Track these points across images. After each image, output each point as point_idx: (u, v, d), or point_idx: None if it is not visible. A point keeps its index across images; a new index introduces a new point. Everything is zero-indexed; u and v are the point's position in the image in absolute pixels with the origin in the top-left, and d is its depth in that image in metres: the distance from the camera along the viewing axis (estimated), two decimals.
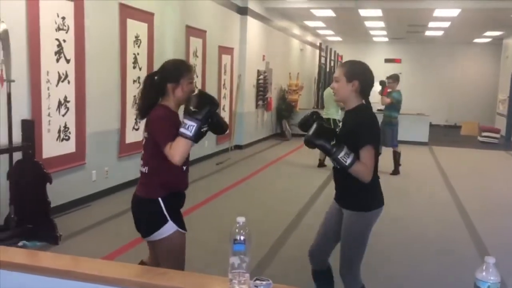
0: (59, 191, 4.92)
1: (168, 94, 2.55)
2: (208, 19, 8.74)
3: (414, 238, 4.97)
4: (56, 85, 4.99)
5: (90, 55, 5.47)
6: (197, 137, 2.46)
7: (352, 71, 2.62)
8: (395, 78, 8.25)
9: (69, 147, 5.27)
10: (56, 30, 4.93)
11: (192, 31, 8.01)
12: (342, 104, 2.75)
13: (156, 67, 7.96)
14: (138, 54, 6.46)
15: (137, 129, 6.57)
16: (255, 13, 10.95)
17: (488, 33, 15.59)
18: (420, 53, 18.67)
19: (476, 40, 17.50)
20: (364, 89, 2.63)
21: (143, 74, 6.62)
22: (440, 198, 6.76)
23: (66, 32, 5.07)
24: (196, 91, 2.55)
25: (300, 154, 10.37)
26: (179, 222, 2.58)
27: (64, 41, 5.04)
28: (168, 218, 2.50)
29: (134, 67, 6.42)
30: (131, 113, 6.42)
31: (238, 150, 10.29)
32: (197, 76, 8.36)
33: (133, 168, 6.61)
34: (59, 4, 4.95)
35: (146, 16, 6.62)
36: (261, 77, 11.61)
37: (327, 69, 16.50)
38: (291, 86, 13.86)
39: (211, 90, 9.06)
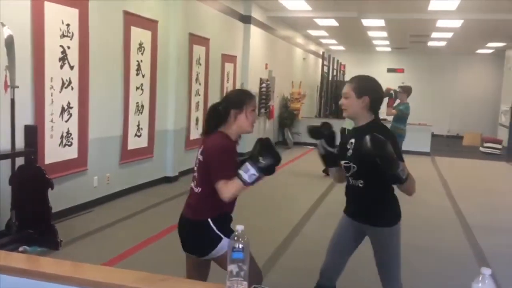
0: (60, 196, 4.94)
1: (231, 121, 2.55)
2: (211, 27, 8.79)
3: (413, 248, 4.95)
4: (60, 91, 5.03)
5: (94, 61, 5.51)
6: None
7: (362, 87, 2.58)
8: (405, 90, 8.04)
9: (71, 153, 5.29)
10: (60, 36, 4.97)
11: (195, 39, 8.06)
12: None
13: (159, 74, 8.03)
14: (141, 61, 6.50)
15: (139, 136, 6.61)
16: (258, 22, 11.01)
17: (490, 44, 15.63)
18: (423, 63, 18.70)
19: (479, 51, 17.53)
20: (375, 104, 2.59)
21: (146, 81, 6.67)
22: (441, 208, 6.75)
23: (71, 39, 5.11)
24: (263, 140, 2.47)
25: (301, 162, 10.37)
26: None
27: (69, 47, 5.09)
28: (222, 235, 2.49)
29: (137, 74, 6.45)
30: (134, 119, 6.46)
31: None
32: (200, 84, 8.41)
33: (135, 175, 6.65)
34: (64, 11, 5.00)
35: (150, 24, 6.67)
36: (264, 85, 11.65)
37: (330, 78, 16.54)
38: (294, 95, 13.90)
39: (214, 98, 9.10)
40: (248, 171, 2.36)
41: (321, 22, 12.56)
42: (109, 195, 6.05)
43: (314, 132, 2.81)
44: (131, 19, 6.19)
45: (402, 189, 2.46)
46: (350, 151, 2.63)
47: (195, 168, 2.60)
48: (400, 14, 10.94)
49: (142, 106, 6.63)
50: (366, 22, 12.07)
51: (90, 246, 4.54)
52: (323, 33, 14.95)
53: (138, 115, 6.56)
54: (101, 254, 4.23)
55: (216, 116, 2.58)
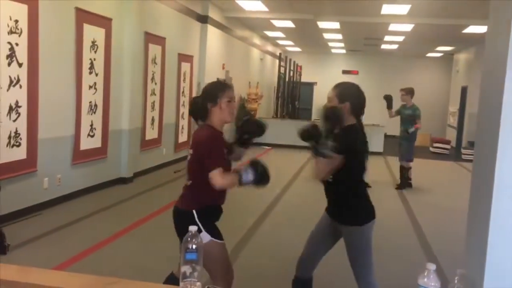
0: (8, 199, 4.75)
1: (210, 114, 2.67)
2: (167, 26, 8.69)
3: None
4: (7, 90, 4.83)
5: (44, 59, 5.33)
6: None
7: (344, 93, 2.76)
8: (408, 91, 8.01)
9: (20, 153, 5.09)
10: (8, 33, 4.77)
11: (151, 38, 7.95)
12: None
13: (114, 73, 7.86)
14: (94, 59, 6.34)
15: (92, 136, 6.44)
16: (215, 22, 10.97)
17: (440, 48, 16.25)
18: (376, 65, 19.20)
19: (429, 54, 18.20)
20: (356, 109, 2.77)
21: (100, 79, 6.52)
22: (391, 205, 6.94)
23: (19, 36, 4.92)
24: (256, 161, 2.62)
25: None
26: (214, 232, 2.66)
27: (17, 44, 4.89)
28: (202, 228, 2.58)
29: (91, 73, 6.29)
30: (87, 119, 6.30)
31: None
32: (155, 83, 8.29)
33: (88, 175, 6.47)
34: (12, 6, 4.80)
35: (103, 21, 6.51)
36: None
37: (287, 79, 16.70)
38: (251, 95, 13.94)
39: (170, 97, 9.01)
40: (248, 175, 2.52)
41: (277, 23, 12.67)
42: (61, 197, 5.87)
43: (304, 135, 2.86)
44: (83, 16, 6.03)
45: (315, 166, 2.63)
46: None
47: (187, 163, 2.71)
48: (354, 17, 11.19)
49: (96, 105, 6.47)
50: (321, 24, 12.27)
51: (40, 250, 4.39)
52: (279, 34, 15.08)
53: (91, 114, 6.39)
54: (50, 258, 4.10)
55: (196, 109, 2.70)
